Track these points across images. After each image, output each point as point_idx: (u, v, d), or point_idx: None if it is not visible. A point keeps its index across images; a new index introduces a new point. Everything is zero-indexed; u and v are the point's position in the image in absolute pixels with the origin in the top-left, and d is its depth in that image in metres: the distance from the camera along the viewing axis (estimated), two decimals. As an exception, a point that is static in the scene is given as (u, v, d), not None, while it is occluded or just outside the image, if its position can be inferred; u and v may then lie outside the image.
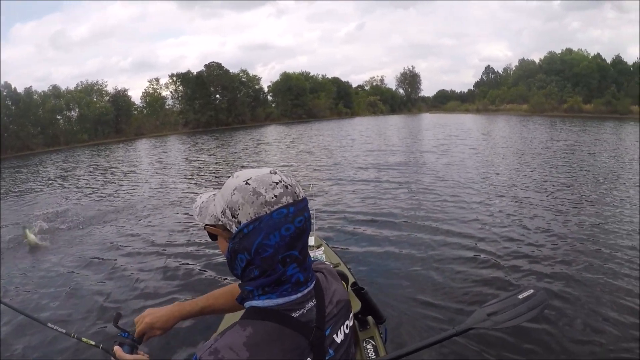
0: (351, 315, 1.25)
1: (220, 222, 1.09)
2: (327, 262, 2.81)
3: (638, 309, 4.00)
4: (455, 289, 4.64)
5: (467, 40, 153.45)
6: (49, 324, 1.75)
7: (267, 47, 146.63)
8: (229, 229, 1.06)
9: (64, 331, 1.71)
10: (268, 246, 1.02)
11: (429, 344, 2.00)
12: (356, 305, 2.31)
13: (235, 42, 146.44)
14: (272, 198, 1.02)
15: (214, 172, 14.92)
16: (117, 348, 1.45)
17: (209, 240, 1.15)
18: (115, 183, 13.90)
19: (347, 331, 1.21)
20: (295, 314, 1.07)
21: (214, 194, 1.18)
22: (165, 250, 6.48)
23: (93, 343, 1.65)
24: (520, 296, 2.15)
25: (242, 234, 1.03)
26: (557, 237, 6.29)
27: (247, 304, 1.09)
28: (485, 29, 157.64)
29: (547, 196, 9.04)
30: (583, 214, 7.51)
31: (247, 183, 1.04)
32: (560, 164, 13.72)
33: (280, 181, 1.05)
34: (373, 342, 2.27)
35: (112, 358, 1.41)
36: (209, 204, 1.16)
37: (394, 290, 4.66)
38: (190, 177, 14.10)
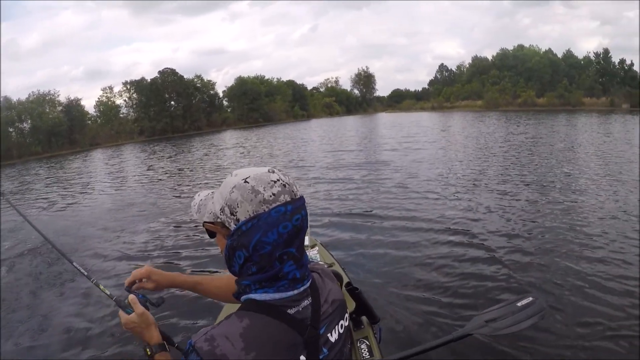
0: (346, 315, 1.27)
1: (218, 220, 1.11)
2: (321, 263, 2.93)
3: (638, 311, 3.91)
4: (451, 290, 4.57)
5: (420, 39, 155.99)
6: (74, 263, 1.83)
7: (221, 51, 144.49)
8: (227, 226, 1.09)
9: (85, 273, 1.77)
10: (266, 243, 1.05)
11: (426, 349, 2.08)
12: (350, 305, 2.25)
13: (189, 47, 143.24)
14: (271, 196, 1.05)
15: (180, 180, 14.77)
16: (132, 297, 1.42)
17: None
18: (77, 195, 13.57)
19: (341, 331, 1.23)
20: (290, 311, 1.10)
21: (212, 192, 1.21)
22: (140, 263, 6.09)
23: (108, 293, 1.65)
24: (519, 303, 2.23)
25: (240, 232, 1.05)
26: (555, 233, 6.21)
27: (244, 297, 1.11)
28: (437, 27, 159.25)
29: (530, 191, 9.16)
30: (570, 207, 7.63)
31: (245, 181, 1.07)
32: (527, 156, 14.27)
33: (278, 180, 1.08)
34: (367, 342, 2.28)
35: (121, 313, 1.38)
36: (207, 202, 1.19)
37: (388, 290, 4.64)
38: (154, 185, 13.95)
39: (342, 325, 1.23)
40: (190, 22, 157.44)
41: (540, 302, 2.26)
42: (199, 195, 1.24)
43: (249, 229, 1.04)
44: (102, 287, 1.72)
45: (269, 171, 1.09)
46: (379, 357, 2.22)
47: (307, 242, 3.32)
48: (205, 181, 13.83)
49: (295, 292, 1.11)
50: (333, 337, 1.19)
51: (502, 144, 18.25)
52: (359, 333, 2.34)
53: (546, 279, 4.70)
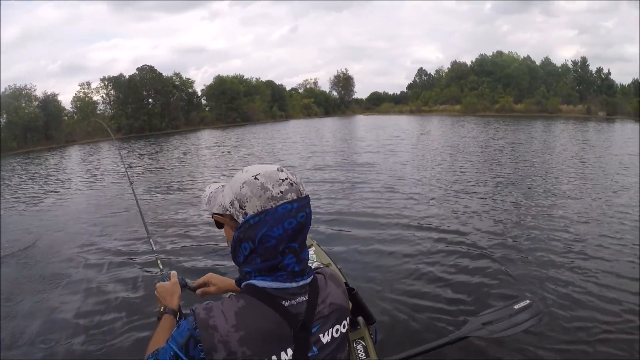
0: (345, 322, 1.27)
1: (227, 212, 1.18)
2: (317, 262, 2.99)
3: (638, 314, 3.94)
4: (447, 292, 4.57)
5: (399, 42, 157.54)
6: (151, 240, 2.36)
7: (200, 50, 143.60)
8: (235, 219, 1.15)
9: (153, 248, 2.22)
10: (271, 237, 1.11)
11: (422, 352, 2.10)
12: None
13: (168, 45, 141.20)
14: (278, 194, 1.11)
15: (164, 179, 14.31)
16: (173, 272, 1.70)
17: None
18: (61, 191, 13.33)
19: (336, 335, 1.23)
20: (285, 303, 1.14)
21: (222, 186, 1.27)
22: (132, 259, 6.21)
23: (161, 267, 2.08)
24: (516, 306, 2.25)
25: (248, 225, 1.11)
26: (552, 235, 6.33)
27: (245, 283, 1.17)
28: (417, 31, 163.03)
29: (523, 194, 9.37)
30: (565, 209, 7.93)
31: (255, 178, 1.13)
32: (512, 160, 14.79)
33: (286, 178, 1.14)
34: (363, 343, 2.27)
35: (160, 283, 1.66)
36: (217, 195, 1.26)
37: (385, 291, 4.63)
38: (138, 183, 13.39)
39: (337, 329, 1.24)
40: (170, 19, 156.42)
41: (537, 305, 2.28)
42: (209, 187, 1.33)
43: (256, 223, 1.11)
44: (159, 262, 2.15)
45: (278, 170, 1.17)
46: (375, 358, 2.22)
47: None
48: (191, 180, 13.70)
49: (294, 284, 1.16)
50: (325, 338, 1.21)
51: (485, 148, 18.81)
52: (355, 334, 2.31)
53: (543, 282, 4.70)
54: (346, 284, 2.13)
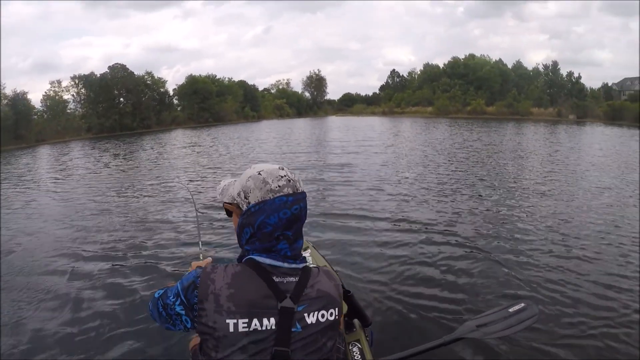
0: (332, 311, 1.38)
1: (235, 202, 1.39)
2: (313, 264, 2.73)
3: (638, 317, 3.93)
4: (443, 294, 4.56)
5: (372, 44, 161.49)
6: (200, 241, 2.61)
7: (172, 49, 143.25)
8: (241, 207, 1.36)
9: (199, 236, 2.61)
10: (268, 224, 1.31)
11: (416, 353, 2.13)
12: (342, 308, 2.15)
13: (140, 43, 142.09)
14: (277, 187, 1.31)
15: (139, 179, 14.06)
16: (209, 259, 1.96)
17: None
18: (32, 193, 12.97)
19: (322, 320, 1.35)
20: (276, 279, 1.32)
21: (234, 180, 1.46)
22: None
23: (201, 245, 2.40)
24: (511, 309, 2.29)
25: (249, 212, 1.32)
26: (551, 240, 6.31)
27: (245, 258, 1.36)
28: (390, 33, 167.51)
29: (510, 195, 9.53)
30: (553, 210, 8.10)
31: (259, 173, 1.34)
32: (494, 162, 15.06)
33: (285, 176, 1.34)
34: (359, 345, 2.27)
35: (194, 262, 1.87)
36: (229, 187, 1.45)
37: (380, 293, 4.64)
38: (115, 184, 13.28)
39: (323, 315, 1.35)
40: (143, 17, 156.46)
41: (532, 308, 2.31)
42: (223, 181, 1.52)
43: (256, 211, 1.31)
44: (200, 244, 2.56)
45: (279, 168, 1.37)
46: (370, 359, 2.22)
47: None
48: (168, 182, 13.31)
49: (285, 264, 1.34)
50: (310, 319, 1.33)
51: (462, 149, 19.29)
52: (351, 336, 2.32)
53: (538, 284, 4.70)
54: (342, 286, 2.10)
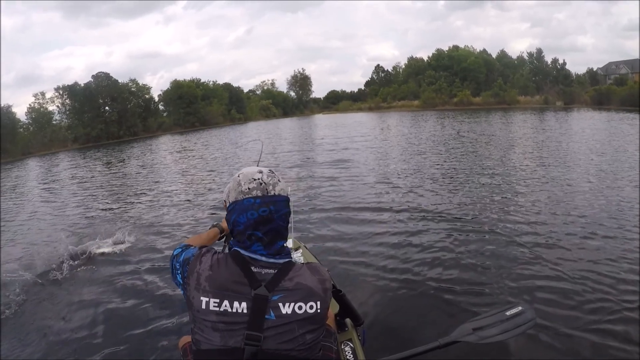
0: (313, 304, 1.44)
1: (224, 202, 1.60)
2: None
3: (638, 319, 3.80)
4: (438, 296, 4.48)
5: (355, 41, 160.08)
6: None
7: (155, 55, 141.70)
8: (226, 206, 1.56)
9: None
10: (240, 223, 1.47)
11: (411, 356, 2.11)
12: (334, 307, 2.27)
13: (123, 51, 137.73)
14: (246, 189, 1.45)
15: (137, 187, 13.81)
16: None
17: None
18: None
19: (299, 311, 1.42)
20: (254, 269, 1.44)
21: None
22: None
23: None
24: (507, 313, 2.27)
25: (227, 210, 1.52)
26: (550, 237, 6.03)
27: (232, 250, 1.52)
28: (372, 30, 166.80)
29: (509, 192, 8.92)
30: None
31: (238, 176, 1.50)
32: (486, 152, 14.81)
33: (259, 179, 1.46)
34: (351, 345, 2.27)
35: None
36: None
37: (374, 293, 4.61)
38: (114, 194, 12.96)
39: (301, 307, 1.42)
40: (124, 25, 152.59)
41: (529, 312, 2.29)
42: (227, 186, 1.64)
43: (231, 210, 1.50)
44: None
45: (258, 172, 1.50)
46: (363, 359, 2.23)
47: (290, 244, 3.40)
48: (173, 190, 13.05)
49: (264, 258, 1.47)
50: (285, 309, 1.41)
51: (454, 140, 19.26)
52: (343, 335, 2.33)
53: (535, 287, 4.55)
54: (334, 286, 2.04)
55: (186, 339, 1.93)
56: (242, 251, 1.47)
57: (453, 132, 23.92)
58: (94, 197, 12.68)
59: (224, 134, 41.08)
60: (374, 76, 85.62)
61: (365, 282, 4.90)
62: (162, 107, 65.07)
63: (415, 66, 75.69)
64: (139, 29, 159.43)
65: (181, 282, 1.50)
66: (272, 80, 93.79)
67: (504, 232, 6.26)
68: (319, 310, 1.44)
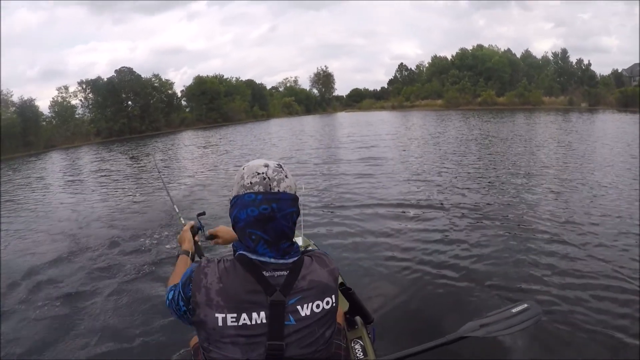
0: (328, 299, 1.40)
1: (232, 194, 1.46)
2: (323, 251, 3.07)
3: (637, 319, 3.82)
4: (447, 294, 4.52)
5: (377, 39, 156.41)
6: (175, 208, 3.06)
7: (179, 51, 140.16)
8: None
9: (177, 211, 3.01)
10: (240, 219, 1.36)
11: (419, 351, 2.12)
12: (344, 305, 2.30)
13: (147, 47, 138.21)
14: (248, 184, 1.35)
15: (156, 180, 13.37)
16: (190, 222, 2.26)
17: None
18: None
19: (317, 310, 1.37)
20: (266, 273, 1.34)
21: None
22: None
23: (183, 222, 2.47)
24: (514, 310, 2.30)
25: (231, 204, 1.41)
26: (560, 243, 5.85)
27: (237, 254, 1.39)
28: (395, 28, 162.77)
29: (523, 193, 8.75)
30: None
31: (243, 169, 1.41)
32: (512, 154, 14.45)
33: (262, 173, 1.35)
34: (361, 342, 2.31)
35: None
36: None
37: (383, 291, 4.60)
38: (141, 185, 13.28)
39: (318, 305, 1.37)
40: (148, 21, 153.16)
41: (535, 309, 2.31)
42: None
43: (233, 204, 1.39)
44: (182, 218, 2.75)
45: (264, 165, 1.38)
46: (373, 357, 2.26)
47: (300, 242, 3.57)
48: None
49: (273, 260, 1.35)
50: (304, 311, 1.35)
51: (486, 139, 18.94)
52: (353, 333, 2.37)
53: (542, 284, 4.56)
54: (343, 284, 2.27)
55: (197, 338, 1.64)
56: (249, 255, 1.36)
57: (479, 132, 23.50)
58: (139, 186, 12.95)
59: (247, 130, 41.14)
60: (397, 74, 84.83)
61: (373, 281, 4.90)
62: (185, 103, 65.20)
63: (438, 65, 75.01)
64: (163, 25, 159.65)
65: (184, 310, 1.37)
66: (295, 77, 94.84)
67: (524, 234, 6.18)
68: (334, 304, 1.42)
